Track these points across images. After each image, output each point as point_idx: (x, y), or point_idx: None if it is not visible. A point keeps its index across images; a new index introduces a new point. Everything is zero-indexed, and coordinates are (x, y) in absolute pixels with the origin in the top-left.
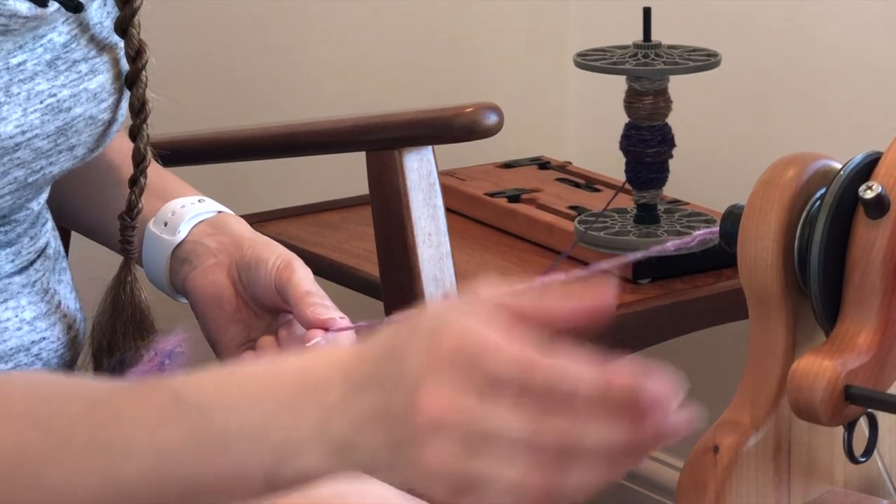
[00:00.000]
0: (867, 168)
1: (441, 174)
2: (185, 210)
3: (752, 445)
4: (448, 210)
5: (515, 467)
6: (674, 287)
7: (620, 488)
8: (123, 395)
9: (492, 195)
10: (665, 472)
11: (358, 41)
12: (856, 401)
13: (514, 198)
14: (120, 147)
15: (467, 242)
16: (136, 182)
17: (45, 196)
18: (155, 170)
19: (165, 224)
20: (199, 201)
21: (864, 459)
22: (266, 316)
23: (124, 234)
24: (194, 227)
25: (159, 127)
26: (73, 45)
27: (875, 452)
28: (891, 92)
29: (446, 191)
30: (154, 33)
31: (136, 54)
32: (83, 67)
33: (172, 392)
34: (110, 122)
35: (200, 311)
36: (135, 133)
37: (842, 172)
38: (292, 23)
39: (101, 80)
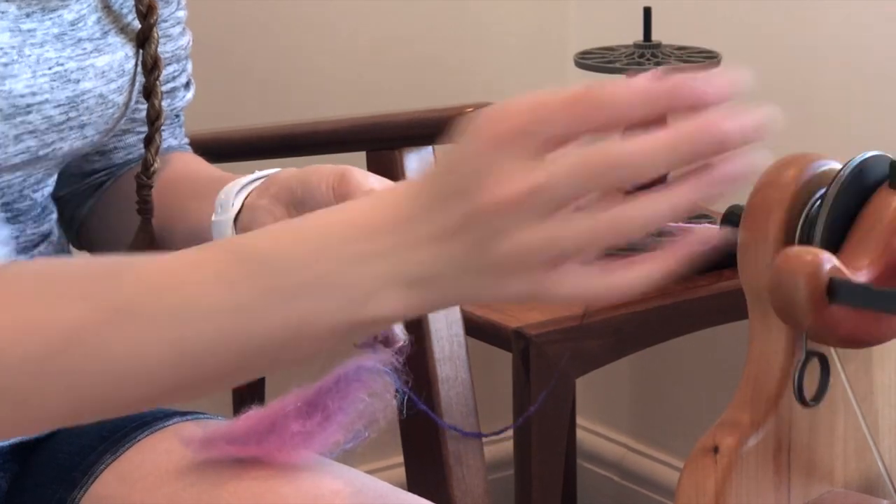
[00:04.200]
0: (867, 168)
1: None
2: (233, 185)
3: (752, 446)
4: None
5: (589, 215)
6: (673, 287)
7: (620, 488)
8: (181, 262)
9: None
10: (665, 472)
11: (359, 41)
12: (839, 295)
13: None
14: (187, 165)
15: None
16: (152, 140)
17: (49, 188)
18: (213, 175)
19: (221, 207)
20: (249, 174)
21: (813, 404)
22: None
23: (140, 193)
24: (246, 196)
25: None
26: (80, 25)
27: (875, 452)
28: (890, 92)
29: None
30: None
31: (147, 10)
32: (88, 46)
33: (232, 253)
34: (121, 106)
35: None
36: (149, 91)
37: (842, 172)
38: (292, 23)
39: (108, 59)
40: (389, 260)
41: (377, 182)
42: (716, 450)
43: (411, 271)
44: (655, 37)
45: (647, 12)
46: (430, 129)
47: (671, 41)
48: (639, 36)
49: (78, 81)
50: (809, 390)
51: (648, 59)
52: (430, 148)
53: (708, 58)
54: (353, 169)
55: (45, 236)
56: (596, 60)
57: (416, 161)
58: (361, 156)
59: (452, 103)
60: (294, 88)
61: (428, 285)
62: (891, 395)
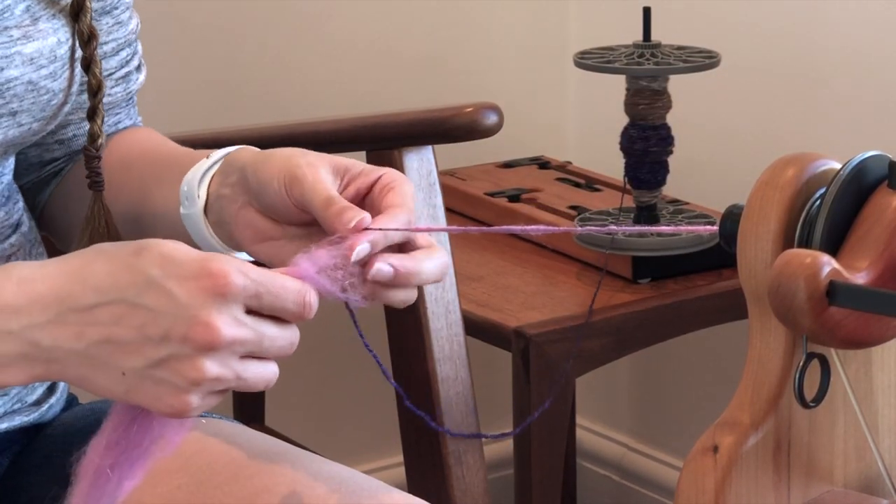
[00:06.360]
0: (866, 168)
1: (441, 174)
2: (193, 174)
3: (752, 445)
4: (448, 210)
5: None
6: (673, 287)
7: (620, 488)
8: None
9: (492, 195)
10: (665, 471)
11: (358, 41)
12: (839, 298)
13: (514, 198)
14: (155, 143)
15: (467, 242)
16: (96, 111)
17: (7, 176)
18: (170, 156)
19: (187, 200)
20: (206, 158)
21: (814, 405)
22: (314, 222)
23: (90, 166)
24: (208, 185)
25: (159, 127)
26: (6, 15)
27: (875, 452)
28: (891, 92)
29: (446, 191)
30: (154, 33)
31: None
32: (15, 33)
33: None
34: (58, 93)
35: (259, 256)
36: (87, 62)
37: (842, 172)
38: (292, 23)
39: (38, 45)
40: (20, 339)
41: (330, 188)
42: (716, 449)
43: (41, 353)
44: (655, 37)
45: (647, 12)
46: (430, 129)
47: (671, 41)
48: (638, 36)
49: (1, 70)
50: (810, 391)
51: (648, 59)
52: (429, 148)
53: (707, 58)
54: (306, 169)
55: (16, 227)
56: (596, 60)
57: (416, 161)
58: (361, 156)
59: (452, 103)
60: (294, 88)
61: (57, 364)
62: (891, 396)
